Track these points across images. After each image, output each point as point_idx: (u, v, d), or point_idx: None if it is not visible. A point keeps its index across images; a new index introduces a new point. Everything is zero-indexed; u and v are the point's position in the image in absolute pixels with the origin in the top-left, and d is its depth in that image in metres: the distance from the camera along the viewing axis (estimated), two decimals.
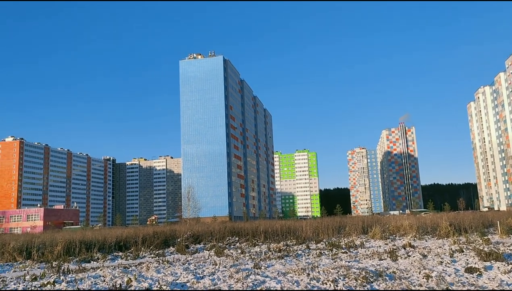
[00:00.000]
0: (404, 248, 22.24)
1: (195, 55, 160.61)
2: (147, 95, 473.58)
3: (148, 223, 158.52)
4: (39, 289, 13.60)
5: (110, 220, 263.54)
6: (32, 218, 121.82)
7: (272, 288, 11.51)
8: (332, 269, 14.39)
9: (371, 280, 12.15)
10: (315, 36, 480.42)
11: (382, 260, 17.20)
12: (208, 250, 28.59)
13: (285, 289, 11.28)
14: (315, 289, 11.03)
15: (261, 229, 36.21)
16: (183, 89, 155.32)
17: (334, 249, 23.22)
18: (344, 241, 28.31)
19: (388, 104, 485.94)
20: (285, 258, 20.16)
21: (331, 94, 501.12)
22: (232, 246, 30.85)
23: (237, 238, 35.30)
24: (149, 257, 26.11)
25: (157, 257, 25.32)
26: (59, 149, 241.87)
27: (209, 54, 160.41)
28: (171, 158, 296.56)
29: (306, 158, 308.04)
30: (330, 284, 11.60)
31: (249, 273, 14.69)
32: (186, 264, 19.24)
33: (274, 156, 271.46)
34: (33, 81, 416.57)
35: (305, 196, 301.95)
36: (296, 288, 11.24)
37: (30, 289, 13.65)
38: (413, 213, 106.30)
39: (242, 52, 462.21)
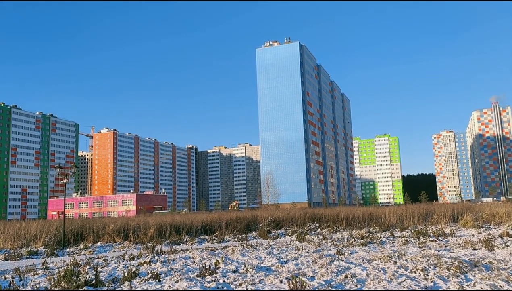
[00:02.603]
0: (501, 238, 20.63)
1: (271, 42, 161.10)
2: (226, 84, 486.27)
3: (229, 208, 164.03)
4: (137, 267, 14.78)
5: (195, 205, 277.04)
6: (126, 202, 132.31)
7: (357, 275, 11.38)
8: (420, 257, 13.82)
9: (465, 270, 11.48)
10: (392, 16, 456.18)
11: (477, 249, 16.13)
12: (290, 236, 28.95)
13: (372, 276, 11.08)
14: (403, 277, 10.70)
15: (342, 215, 35.80)
16: (260, 77, 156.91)
17: (421, 237, 22.24)
18: (432, 229, 26.96)
19: (476, 83, 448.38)
20: (369, 245, 19.75)
21: (412, 76, 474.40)
22: (313, 232, 30.91)
23: (317, 224, 35.27)
24: (233, 241, 27.13)
25: (240, 241, 26.23)
26: (147, 138, 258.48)
27: (285, 40, 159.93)
28: (250, 145, 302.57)
29: (387, 143, 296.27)
30: (419, 273, 11.17)
31: (333, 259, 14.65)
32: (269, 249, 19.66)
33: (353, 141, 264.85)
34: (121, 76, 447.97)
35: (386, 182, 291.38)
36: (383, 276, 10.99)
37: (129, 267, 14.89)
38: (509, 200, 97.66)
39: (319, 37, 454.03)
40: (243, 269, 13.20)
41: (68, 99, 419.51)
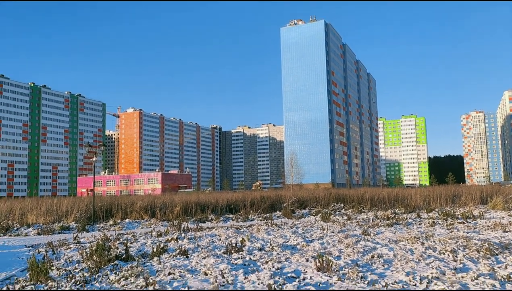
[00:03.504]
0: None
1: (295, 21, 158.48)
2: (250, 64, 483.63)
3: (253, 188, 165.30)
4: (164, 244, 15.12)
5: (219, 184, 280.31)
6: (152, 181, 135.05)
7: (384, 255, 11.32)
8: (449, 239, 13.62)
9: (496, 252, 11.26)
10: None
11: (507, 232, 15.77)
12: (314, 216, 29.02)
13: (399, 256, 11.00)
14: (432, 258, 10.57)
15: (367, 196, 35.58)
16: (284, 56, 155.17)
17: (449, 218, 21.89)
18: (460, 211, 26.47)
19: (509, 62, 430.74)
20: (395, 226, 19.59)
21: (441, 55, 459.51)
22: (337, 213, 30.88)
23: (342, 205, 35.21)
24: (257, 220, 27.40)
25: (265, 220, 26.45)
26: (172, 118, 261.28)
27: (310, 19, 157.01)
28: (274, 125, 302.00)
29: (414, 124, 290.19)
30: (448, 254, 11.02)
31: (358, 239, 14.61)
32: (294, 228, 19.77)
33: (378, 122, 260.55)
34: (147, 55, 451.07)
35: (412, 163, 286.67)
36: (411, 257, 10.90)
37: (157, 243, 15.25)
38: None
39: (344, 15, 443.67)
40: (268, 247, 13.33)
41: (95, 78, 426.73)
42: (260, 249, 13.20)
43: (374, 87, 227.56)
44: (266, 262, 10.92)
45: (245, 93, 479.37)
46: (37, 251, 15.36)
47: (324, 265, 9.62)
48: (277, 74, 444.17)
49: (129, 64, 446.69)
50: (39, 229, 23.24)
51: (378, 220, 22.54)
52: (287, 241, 14.84)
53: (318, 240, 14.95)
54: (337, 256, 11.54)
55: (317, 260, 9.93)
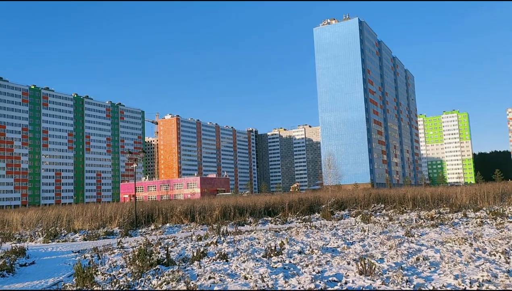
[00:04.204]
0: None
1: (329, 20, 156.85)
2: (283, 65, 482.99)
3: (291, 190, 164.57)
4: (204, 248, 15.24)
5: (256, 187, 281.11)
6: (191, 185, 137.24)
7: (430, 257, 10.87)
8: (499, 239, 12.93)
9: None
10: None
11: None
12: (354, 217, 28.44)
13: (446, 259, 10.53)
14: (482, 260, 10.05)
15: (409, 196, 34.52)
16: (318, 56, 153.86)
17: (498, 218, 20.84)
18: (510, 209, 25.15)
19: None
20: (440, 226, 18.85)
21: (482, 48, 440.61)
22: (378, 213, 30.12)
23: (382, 205, 34.33)
24: (296, 222, 27.16)
25: (304, 222, 26.18)
26: (208, 123, 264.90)
27: (344, 17, 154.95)
28: (309, 126, 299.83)
29: (456, 120, 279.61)
30: (499, 256, 10.44)
31: (402, 240, 14.14)
32: (334, 230, 19.43)
33: (418, 119, 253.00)
34: (181, 62, 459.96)
35: (455, 160, 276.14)
36: (459, 259, 10.40)
37: (197, 247, 15.39)
38: None
39: (379, 12, 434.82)
40: (308, 250, 13.14)
41: (133, 87, 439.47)
42: (299, 252, 13.04)
43: (412, 84, 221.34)
44: (306, 266, 10.76)
45: (280, 95, 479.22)
46: (83, 256, 15.87)
47: (367, 268, 9.35)
48: (312, 75, 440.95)
49: (165, 71, 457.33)
50: (85, 235, 24.06)
51: (422, 221, 21.78)
52: (327, 244, 14.58)
53: (359, 242, 14.60)
54: (380, 258, 11.20)
55: (359, 263, 9.68)
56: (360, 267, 9.44)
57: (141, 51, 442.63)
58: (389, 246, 12.99)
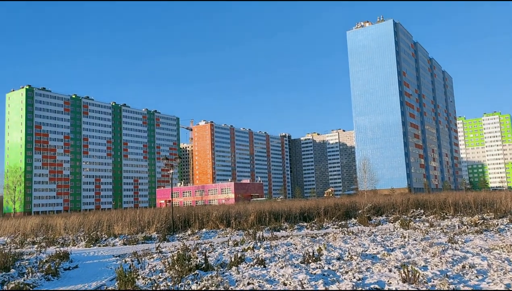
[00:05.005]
0: None
1: (362, 23, 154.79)
2: (316, 70, 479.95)
3: (325, 195, 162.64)
4: (241, 253, 15.26)
5: (290, 192, 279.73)
6: (225, 191, 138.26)
7: (477, 265, 10.41)
8: None
9: None
10: None
11: None
12: (392, 222, 27.77)
13: (494, 267, 10.05)
14: None
15: (450, 201, 33.36)
16: (351, 60, 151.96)
17: None
18: None
19: None
20: (485, 232, 18.08)
21: None
22: (417, 219, 29.27)
23: (422, 211, 33.36)
24: (332, 228, 26.79)
25: (340, 228, 25.79)
26: (241, 128, 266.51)
27: (378, 20, 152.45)
28: (343, 131, 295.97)
29: (497, 121, 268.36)
30: None
31: (445, 247, 13.64)
32: (372, 236, 19.01)
33: (457, 121, 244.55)
34: (213, 68, 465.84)
35: (498, 164, 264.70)
36: (508, 267, 9.91)
37: (234, 253, 15.43)
38: None
39: (414, 13, 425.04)
40: (347, 257, 12.90)
41: (168, 94, 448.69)
42: (338, 258, 12.83)
43: (450, 85, 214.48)
44: (346, 272, 10.55)
45: (313, 99, 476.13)
46: (123, 260, 16.25)
47: (410, 276, 9.06)
48: (345, 79, 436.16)
49: (199, 78, 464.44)
50: (125, 240, 24.64)
51: (465, 227, 20.97)
52: (366, 250, 14.27)
53: (400, 248, 14.20)
54: (423, 266, 10.83)
55: (401, 271, 9.39)
56: (403, 275, 9.16)
57: (175, 60, 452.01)
58: (432, 253, 12.56)
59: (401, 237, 17.67)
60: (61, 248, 21.32)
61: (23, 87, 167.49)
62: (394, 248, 14.49)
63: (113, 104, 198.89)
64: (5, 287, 12.05)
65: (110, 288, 11.08)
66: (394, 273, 10.01)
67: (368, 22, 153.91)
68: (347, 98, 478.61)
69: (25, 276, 13.62)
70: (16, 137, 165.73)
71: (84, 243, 24.51)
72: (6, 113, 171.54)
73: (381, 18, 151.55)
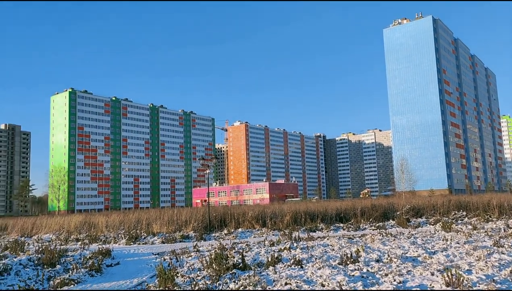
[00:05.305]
0: None
1: (399, 20, 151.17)
2: (350, 69, 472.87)
3: (361, 196, 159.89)
4: (278, 253, 15.26)
5: (325, 193, 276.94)
6: (259, 191, 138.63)
7: None
8: None
9: None
10: None
11: None
12: (432, 225, 26.96)
13: None
14: None
15: (494, 202, 32.01)
16: (388, 58, 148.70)
17: None
18: None
19: None
20: None
21: None
22: (460, 221, 28.28)
23: (464, 213, 32.18)
24: (369, 229, 26.32)
25: (378, 230, 25.30)
26: (276, 129, 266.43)
27: (416, 16, 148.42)
28: (380, 130, 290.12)
29: None
30: None
31: (491, 251, 13.11)
32: (412, 238, 18.53)
33: (501, 120, 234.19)
34: (248, 69, 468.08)
35: None
36: None
37: (270, 253, 15.44)
38: None
39: (455, 8, 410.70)
40: (386, 259, 12.64)
41: (203, 95, 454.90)
42: (377, 261, 12.59)
43: (494, 83, 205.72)
44: (386, 275, 10.34)
45: (348, 99, 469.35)
46: (162, 258, 16.63)
47: (454, 280, 8.76)
48: (380, 78, 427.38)
49: (233, 79, 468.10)
50: (163, 238, 25.20)
51: (511, 230, 20.05)
52: (406, 252, 13.93)
53: (442, 251, 13.76)
54: (467, 270, 10.45)
55: (444, 274, 9.10)
56: (447, 278, 8.87)
57: (209, 62, 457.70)
58: (477, 256, 12.10)
59: (442, 240, 17.14)
60: (103, 245, 22.06)
61: (66, 90, 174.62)
62: (436, 251, 14.07)
63: (151, 105, 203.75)
64: (51, 283, 12.59)
65: (151, 285, 11.37)
66: (437, 276, 9.71)
67: (406, 19, 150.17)
68: (383, 97, 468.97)
69: (70, 272, 14.19)
70: (60, 138, 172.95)
71: (124, 240, 25.26)
72: (51, 115, 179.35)
73: (420, 15, 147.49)
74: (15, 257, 17.80)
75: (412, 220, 30.47)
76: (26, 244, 24.77)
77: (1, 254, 18.79)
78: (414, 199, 42.56)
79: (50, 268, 14.92)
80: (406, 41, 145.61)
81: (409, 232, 22.08)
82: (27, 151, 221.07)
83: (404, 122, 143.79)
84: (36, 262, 15.94)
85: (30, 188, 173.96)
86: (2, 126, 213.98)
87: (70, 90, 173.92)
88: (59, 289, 11.99)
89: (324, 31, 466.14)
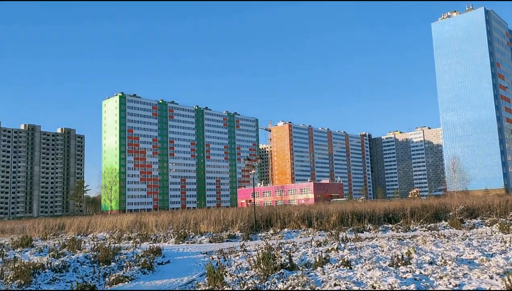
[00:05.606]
0: None
1: (449, 13, 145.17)
2: (396, 65, 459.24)
3: (409, 196, 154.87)
4: (325, 254, 15.09)
5: (371, 193, 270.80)
6: (304, 191, 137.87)
7: None
8: None
9: None
10: None
11: None
12: (489, 226, 25.68)
13: None
14: None
15: None
16: (437, 53, 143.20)
17: None
18: None
19: None
20: None
21: None
22: None
23: None
24: (420, 230, 25.45)
25: (429, 231, 24.42)
26: (320, 128, 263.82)
27: (466, 9, 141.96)
28: (428, 128, 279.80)
29: None
30: None
31: None
32: (467, 240, 17.72)
33: None
34: (290, 70, 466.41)
35: None
36: None
37: (318, 253, 15.31)
38: None
39: None
40: (440, 261, 12.18)
41: (247, 96, 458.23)
42: (430, 263, 12.16)
43: None
44: (441, 278, 9.97)
45: (394, 96, 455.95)
46: (211, 257, 16.93)
47: None
48: (427, 73, 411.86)
49: (274, 79, 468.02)
50: (210, 237, 25.65)
51: None
52: (461, 255, 13.35)
53: (501, 254, 13.07)
54: None
55: (505, 278, 8.65)
56: (507, 282, 8.43)
57: (251, 64, 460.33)
58: None
59: (500, 242, 16.27)
60: (154, 244, 22.79)
61: (116, 95, 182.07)
62: (494, 253, 13.39)
63: (196, 107, 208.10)
64: (107, 279, 13.17)
65: (200, 283, 11.61)
66: (496, 280, 9.24)
67: (455, 12, 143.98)
68: (431, 94, 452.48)
69: (124, 269, 14.77)
70: (111, 141, 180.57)
71: (173, 239, 25.94)
72: (102, 119, 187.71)
73: (470, 7, 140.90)
74: (73, 255, 18.76)
75: (466, 221, 29.16)
76: (82, 242, 26.05)
77: (59, 252, 19.85)
78: (468, 199, 40.72)
79: (105, 265, 15.62)
80: (456, 35, 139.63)
81: (464, 234, 21.15)
82: (81, 153, 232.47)
83: (455, 120, 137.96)
84: (92, 259, 16.72)
85: (85, 189, 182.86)
86: (59, 130, 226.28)
87: (120, 94, 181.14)
88: (114, 285, 12.52)
89: (365, 30, 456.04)
